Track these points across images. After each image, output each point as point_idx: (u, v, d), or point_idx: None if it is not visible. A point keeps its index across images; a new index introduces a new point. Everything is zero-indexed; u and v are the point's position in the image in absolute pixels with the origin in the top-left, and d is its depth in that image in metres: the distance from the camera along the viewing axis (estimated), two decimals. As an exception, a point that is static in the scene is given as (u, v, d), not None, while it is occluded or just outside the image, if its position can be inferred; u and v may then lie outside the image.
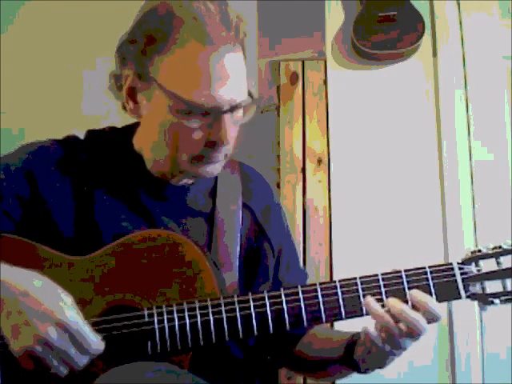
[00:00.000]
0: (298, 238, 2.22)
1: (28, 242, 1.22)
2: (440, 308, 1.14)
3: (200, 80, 1.18)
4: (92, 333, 1.09)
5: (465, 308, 2.07)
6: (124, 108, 1.33)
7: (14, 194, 1.27)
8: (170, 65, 1.20)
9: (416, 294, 1.15)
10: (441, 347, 2.10)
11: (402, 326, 1.12)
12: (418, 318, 1.12)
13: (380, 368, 1.21)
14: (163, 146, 1.26)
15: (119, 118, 1.39)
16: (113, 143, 1.38)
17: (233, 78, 1.21)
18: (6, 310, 1.07)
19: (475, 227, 2.17)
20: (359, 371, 1.24)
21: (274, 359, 1.45)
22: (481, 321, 2.10)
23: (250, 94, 1.26)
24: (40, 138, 1.38)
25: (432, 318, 1.13)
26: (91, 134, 1.40)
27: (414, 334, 1.12)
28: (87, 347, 1.08)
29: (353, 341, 1.23)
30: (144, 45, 1.21)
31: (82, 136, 1.41)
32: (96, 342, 1.09)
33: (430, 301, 1.14)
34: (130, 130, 1.39)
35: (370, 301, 1.14)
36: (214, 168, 1.29)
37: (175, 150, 1.25)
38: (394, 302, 1.14)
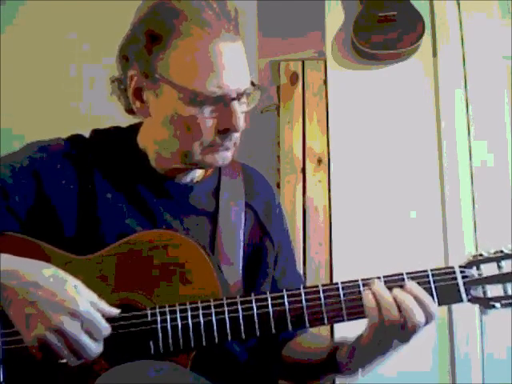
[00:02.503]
0: (297, 238, 2.22)
1: (33, 241, 1.23)
2: (436, 307, 1.14)
3: (207, 70, 1.20)
4: (103, 320, 1.11)
5: (465, 308, 2.06)
6: (127, 111, 1.34)
7: (20, 192, 1.27)
8: (176, 59, 1.21)
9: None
10: (441, 347, 2.10)
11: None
12: (417, 308, 1.12)
13: (362, 368, 1.22)
14: (173, 140, 1.27)
15: (122, 119, 1.39)
16: (117, 142, 1.38)
17: (237, 67, 1.24)
18: (17, 299, 1.08)
19: (475, 228, 2.17)
20: (340, 371, 1.24)
21: (267, 362, 1.45)
22: (481, 321, 2.11)
23: (252, 83, 1.27)
24: (40, 137, 1.38)
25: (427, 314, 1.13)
26: (96, 133, 1.41)
27: (408, 325, 1.11)
28: (99, 336, 1.10)
29: (337, 346, 1.24)
30: (148, 43, 1.23)
31: (86, 135, 1.41)
32: (107, 328, 1.12)
33: (427, 297, 1.14)
34: (135, 128, 1.40)
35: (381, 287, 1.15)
36: (225, 156, 1.29)
37: (187, 142, 1.26)
38: (399, 292, 1.14)
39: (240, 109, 1.24)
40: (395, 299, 1.13)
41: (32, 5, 2.53)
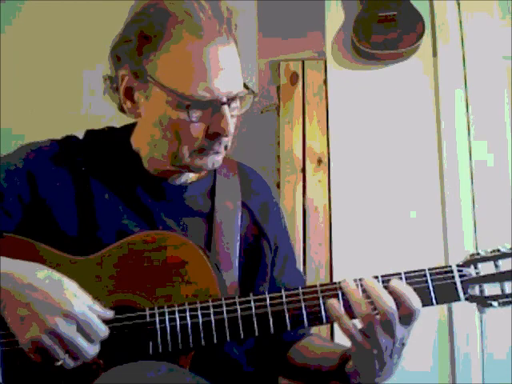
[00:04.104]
0: (297, 238, 2.22)
1: (29, 242, 1.22)
2: (418, 302, 1.12)
3: (197, 74, 1.19)
4: (99, 321, 1.10)
5: (465, 308, 2.06)
6: (120, 110, 1.33)
7: (15, 193, 1.27)
8: (166, 61, 1.21)
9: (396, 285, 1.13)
10: (441, 347, 2.10)
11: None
12: (388, 298, 1.10)
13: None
14: (163, 142, 1.27)
15: (122, 119, 1.39)
16: (111, 143, 1.38)
17: (228, 71, 1.22)
18: (12, 302, 1.08)
19: (475, 227, 2.17)
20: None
21: (270, 366, 1.45)
22: (481, 321, 2.11)
23: (245, 86, 1.27)
24: (40, 138, 1.38)
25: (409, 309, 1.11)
26: (90, 133, 1.41)
27: (385, 317, 1.09)
28: (95, 337, 1.10)
29: (347, 354, 1.22)
30: (139, 43, 1.22)
31: (81, 136, 1.41)
32: (103, 330, 1.11)
33: (409, 292, 1.12)
34: (129, 129, 1.40)
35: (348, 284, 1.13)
36: (215, 160, 1.29)
37: (176, 145, 1.25)
38: (370, 282, 1.13)
39: (231, 113, 1.23)
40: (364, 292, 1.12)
41: (32, 5, 2.53)
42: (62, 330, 1.06)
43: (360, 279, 1.15)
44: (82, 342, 1.08)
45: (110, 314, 1.14)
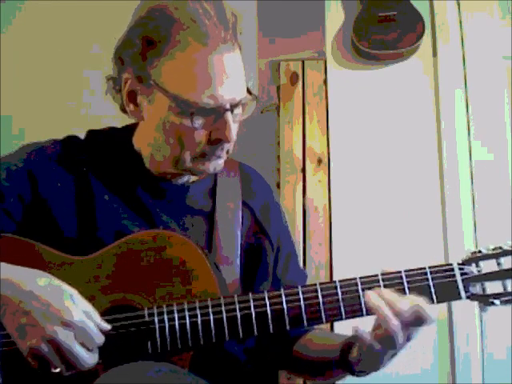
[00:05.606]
0: (297, 238, 2.22)
1: (29, 242, 1.23)
2: (431, 310, 1.11)
3: (202, 81, 1.20)
4: (96, 329, 1.10)
5: (465, 308, 2.07)
6: (122, 110, 1.33)
7: (16, 193, 1.27)
8: (171, 67, 1.20)
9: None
10: (441, 347, 2.10)
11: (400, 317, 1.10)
12: (409, 304, 1.10)
13: (375, 371, 1.20)
14: (165, 146, 1.27)
15: (120, 119, 1.39)
16: (113, 143, 1.39)
17: (233, 77, 1.22)
18: (11, 309, 1.08)
19: (475, 227, 2.17)
20: (353, 373, 1.23)
21: (272, 360, 1.45)
22: (481, 321, 2.10)
23: (248, 91, 1.27)
24: (40, 137, 1.39)
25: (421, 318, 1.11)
26: (91, 133, 1.41)
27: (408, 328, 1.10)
28: (91, 345, 1.09)
29: (349, 343, 1.22)
30: (143, 48, 1.22)
31: (82, 136, 1.41)
32: (100, 338, 1.10)
33: (422, 303, 1.12)
34: (130, 129, 1.40)
35: (371, 294, 1.13)
36: (217, 164, 1.30)
37: (178, 150, 1.26)
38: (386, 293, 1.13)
39: (233, 119, 1.23)
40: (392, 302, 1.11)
41: (32, 5, 2.53)
42: (60, 338, 1.06)
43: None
44: (79, 350, 1.08)
45: (107, 326, 1.13)
